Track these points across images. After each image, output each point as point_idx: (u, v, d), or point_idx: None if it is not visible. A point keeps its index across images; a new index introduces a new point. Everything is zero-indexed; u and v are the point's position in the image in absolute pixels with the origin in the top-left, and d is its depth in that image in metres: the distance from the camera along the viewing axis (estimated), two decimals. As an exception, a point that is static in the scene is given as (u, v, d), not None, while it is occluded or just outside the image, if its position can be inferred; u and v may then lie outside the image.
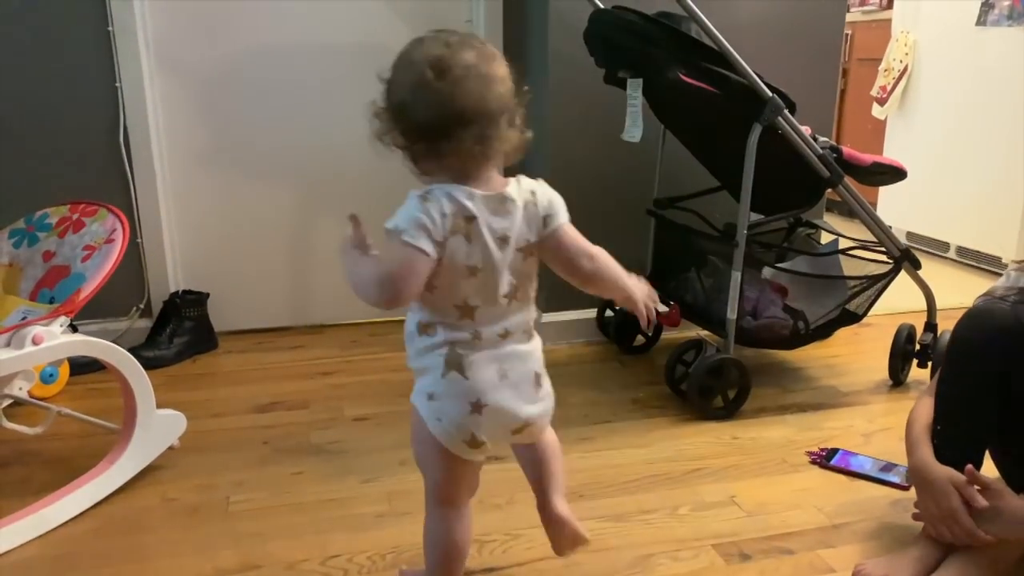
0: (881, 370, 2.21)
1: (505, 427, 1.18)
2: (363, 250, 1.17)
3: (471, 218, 1.10)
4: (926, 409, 1.42)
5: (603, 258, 1.24)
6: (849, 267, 2.14)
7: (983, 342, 1.34)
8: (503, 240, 1.13)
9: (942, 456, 1.35)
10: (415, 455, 1.24)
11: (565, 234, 1.19)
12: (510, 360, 1.17)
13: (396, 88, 1.12)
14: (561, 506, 1.30)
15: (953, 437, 1.37)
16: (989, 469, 1.38)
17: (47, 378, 2.06)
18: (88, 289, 1.55)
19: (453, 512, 1.24)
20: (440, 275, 1.11)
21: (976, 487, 1.29)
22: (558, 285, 2.44)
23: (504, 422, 1.17)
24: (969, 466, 1.29)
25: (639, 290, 1.29)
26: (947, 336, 2.10)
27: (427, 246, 1.07)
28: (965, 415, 1.37)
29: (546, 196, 1.18)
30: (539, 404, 1.21)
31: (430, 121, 1.08)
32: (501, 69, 1.14)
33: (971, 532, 1.27)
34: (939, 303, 2.19)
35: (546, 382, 1.23)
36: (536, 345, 1.22)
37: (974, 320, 1.37)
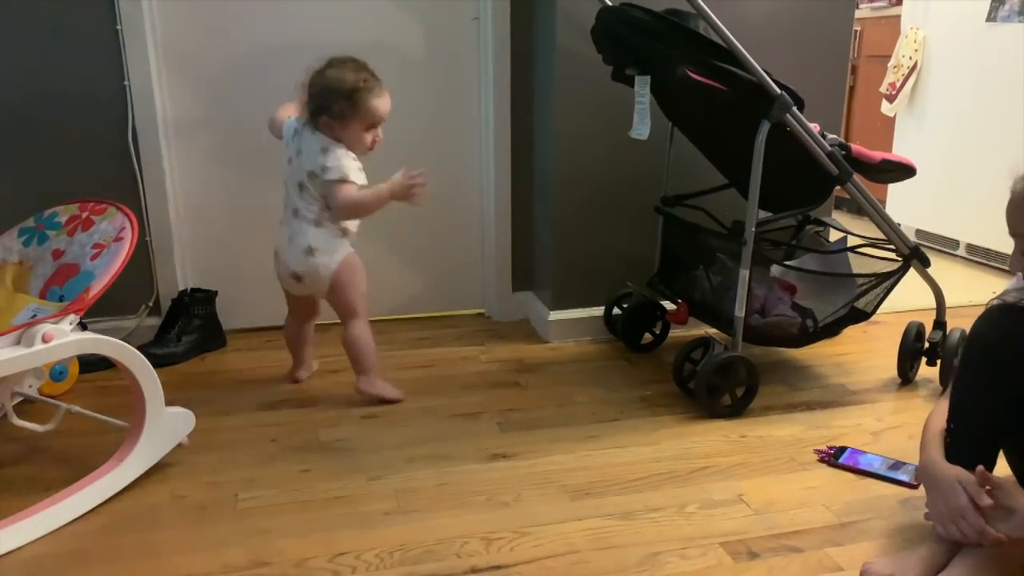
0: (890, 368, 2.21)
1: (285, 272, 2.00)
2: None
3: (295, 134, 1.96)
4: (943, 411, 1.41)
5: (349, 194, 1.90)
6: (858, 265, 2.13)
7: (998, 343, 1.34)
8: (298, 153, 1.94)
9: (955, 456, 1.34)
10: None
11: (330, 185, 1.89)
12: (294, 232, 1.95)
13: None
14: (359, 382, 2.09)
15: (966, 437, 1.36)
16: (1002, 469, 1.38)
17: (57, 376, 2.07)
18: (97, 287, 1.56)
19: (290, 316, 2.14)
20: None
21: (987, 487, 1.28)
22: (566, 284, 2.46)
23: (284, 269, 1.99)
24: (980, 467, 1.28)
25: (394, 188, 1.92)
26: (956, 334, 2.11)
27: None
28: (978, 415, 1.36)
29: (334, 159, 1.89)
30: (305, 266, 1.95)
31: None
32: (339, 78, 1.88)
33: (981, 530, 1.26)
34: (948, 301, 2.18)
35: (320, 257, 1.94)
36: (317, 232, 1.94)
37: (990, 321, 1.37)
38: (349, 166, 1.90)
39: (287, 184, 1.97)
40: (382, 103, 1.92)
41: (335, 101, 1.87)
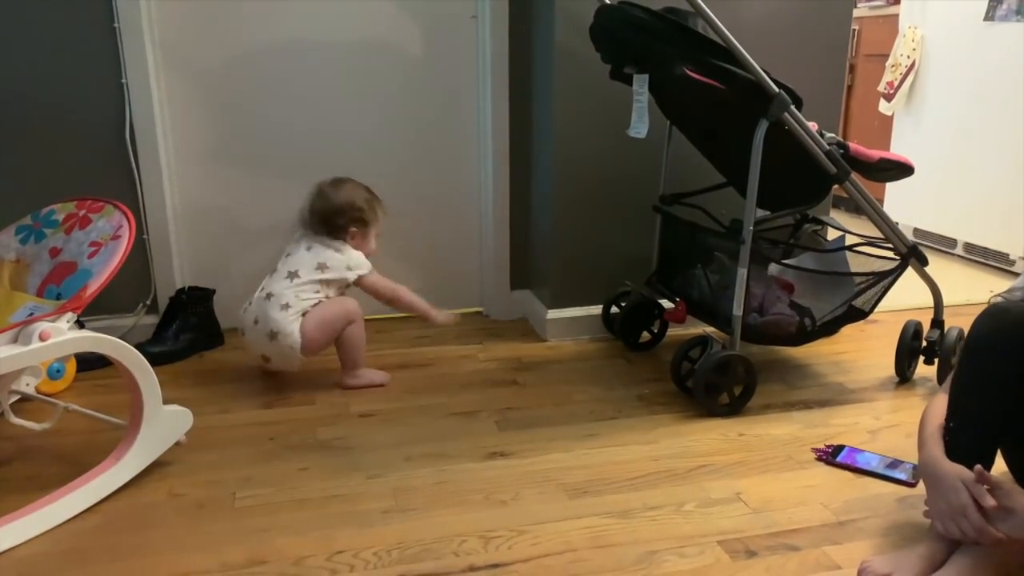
0: (888, 367, 2.21)
1: (255, 355, 2.09)
2: None
3: (301, 237, 2.16)
4: (940, 407, 1.41)
5: (378, 281, 2.17)
6: (856, 263, 2.13)
7: (1001, 340, 1.33)
8: (308, 249, 2.11)
9: (953, 453, 1.34)
10: None
11: (361, 277, 2.13)
12: (263, 314, 2.03)
13: None
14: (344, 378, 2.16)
15: (965, 435, 1.36)
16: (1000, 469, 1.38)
17: (54, 374, 2.07)
18: (95, 285, 1.55)
19: None
20: None
21: (986, 486, 1.28)
22: (564, 283, 2.46)
23: (253, 350, 2.09)
24: (978, 466, 1.28)
25: (430, 311, 2.23)
26: (953, 333, 2.11)
27: None
28: (978, 413, 1.36)
29: (357, 258, 2.13)
30: (272, 349, 2.04)
31: None
32: (361, 194, 2.16)
33: (981, 529, 1.26)
34: (946, 300, 2.18)
35: (283, 339, 2.01)
36: (284, 315, 2.01)
37: (993, 318, 1.36)
38: (366, 262, 2.15)
39: (275, 272, 2.10)
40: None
41: (365, 212, 2.14)
